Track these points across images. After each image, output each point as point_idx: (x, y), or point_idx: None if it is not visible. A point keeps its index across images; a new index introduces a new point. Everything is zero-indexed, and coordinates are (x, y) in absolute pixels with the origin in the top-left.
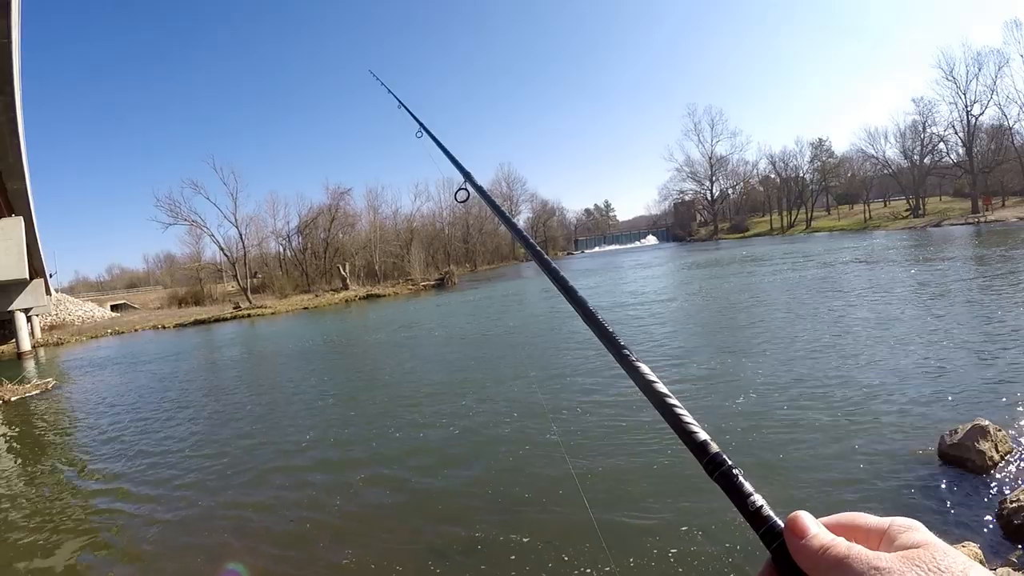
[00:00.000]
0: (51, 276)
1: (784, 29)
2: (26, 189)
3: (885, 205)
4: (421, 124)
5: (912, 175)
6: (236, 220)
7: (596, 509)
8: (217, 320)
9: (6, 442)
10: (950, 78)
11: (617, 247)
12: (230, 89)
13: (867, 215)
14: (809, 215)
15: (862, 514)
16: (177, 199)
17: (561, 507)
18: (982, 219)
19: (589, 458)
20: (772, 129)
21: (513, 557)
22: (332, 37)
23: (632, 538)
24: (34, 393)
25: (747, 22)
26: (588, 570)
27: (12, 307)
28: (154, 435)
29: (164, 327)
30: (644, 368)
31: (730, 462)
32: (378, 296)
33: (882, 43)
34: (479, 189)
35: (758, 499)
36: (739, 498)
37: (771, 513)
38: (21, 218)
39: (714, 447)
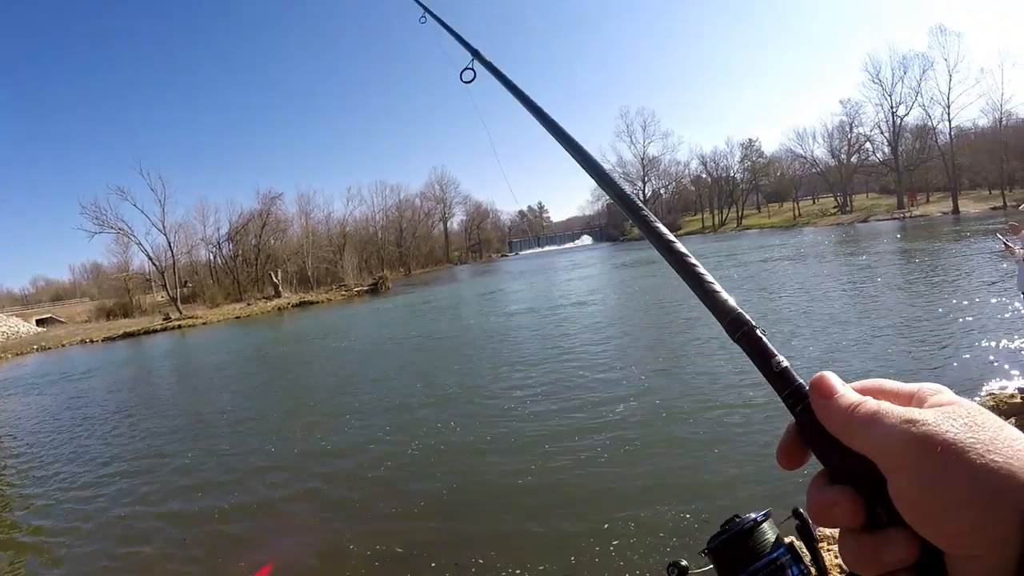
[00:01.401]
0: None
1: (717, 33)
2: None
3: (814, 202)
4: (424, 6)
5: (840, 173)
6: (164, 227)
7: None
8: (147, 332)
9: None
10: (876, 80)
11: (552, 248)
12: (157, 89)
13: (796, 212)
14: (740, 213)
15: (887, 380)
16: (103, 206)
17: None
18: (907, 214)
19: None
20: (703, 131)
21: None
22: (246, 36)
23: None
24: None
25: (678, 24)
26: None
27: None
28: (86, 455)
29: (92, 341)
30: (662, 228)
31: (752, 322)
32: (311, 303)
33: (810, 46)
34: (489, 66)
35: (782, 360)
36: (762, 359)
37: (796, 375)
38: None
39: (736, 307)
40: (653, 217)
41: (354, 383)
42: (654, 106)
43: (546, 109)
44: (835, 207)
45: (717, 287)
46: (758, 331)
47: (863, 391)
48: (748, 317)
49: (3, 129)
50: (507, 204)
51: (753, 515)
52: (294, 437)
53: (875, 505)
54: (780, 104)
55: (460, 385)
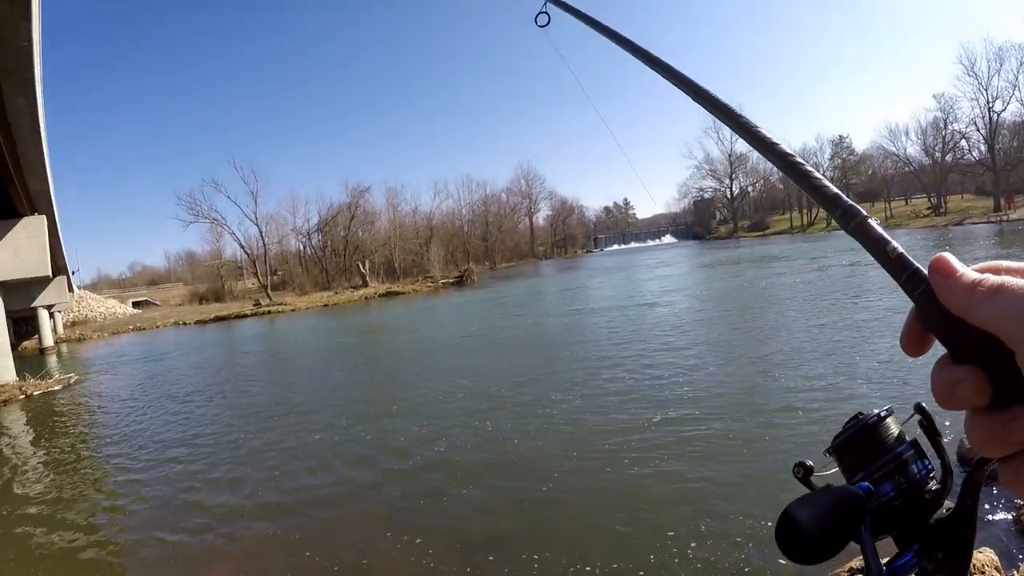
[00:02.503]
0: (73, 273)
1: (805, 25)
2: (48, 189)
3: (906, 203)
4: None
5: (933, 173)
6: (256, 218)
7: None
8: (237, 316)
9: (28, 435)
10: (971, 74)
11: (636, 245)
12: (251, 85)
13: (888, 213)
14: None
15: (1004, 260)
16: (198, 197)
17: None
18: (1004, 218)
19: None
20: (792, 126)
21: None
22: (354, 39)
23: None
24: (56, 388)
25: (767, 16)
26: None
27: (35, 304)
28: (173, 430)
29: (185, 323)
30: (764, 132)
31: (864, 212)
32: (397, 293)
33: (903, 38)
34: (563, 5)
35: (897, 246)
36: (877, 247)
37: (913, 260)
38: (44, 217)
39: (847, 199)
40: (753, 123)
41: (437, 375)
42: (742, 100)
43: (633, 39)
44: (928, 208)
45: (825, 181)
46: (871, 220)
47: (981, 271)
48: (859, 208)
49: (107, 124)
50: (593, 200)
51: (876, 411)
52: (366, 426)
53: (1001, 382)
54: (871, 98)
55: (546, 380)
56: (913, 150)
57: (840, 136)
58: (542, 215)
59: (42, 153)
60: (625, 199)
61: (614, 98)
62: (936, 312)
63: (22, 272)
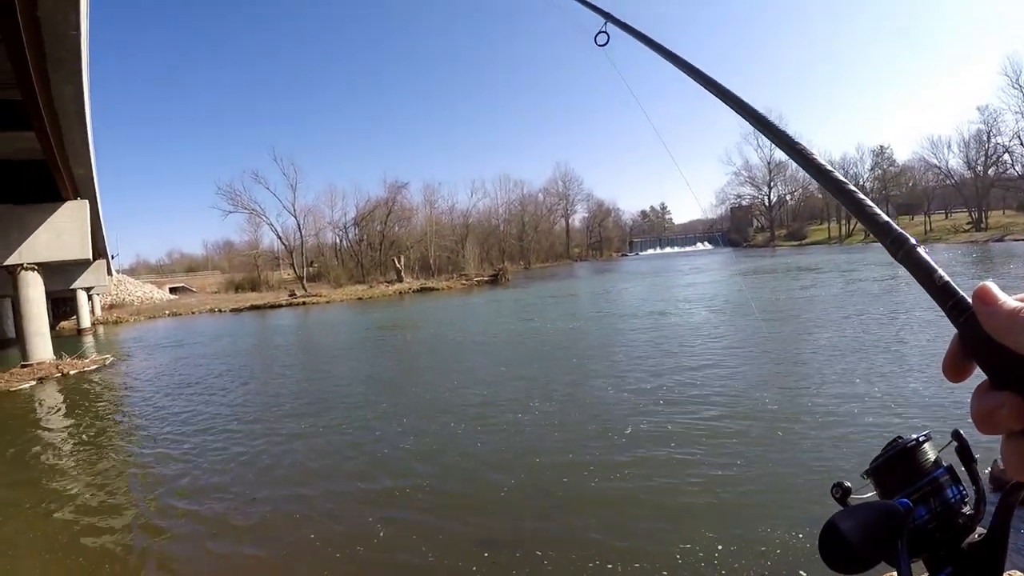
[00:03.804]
0: (113, 258)
1: (847, 32)
2: (92, 175)
3: (946, 217)
4: None
5: (975, 187)
6: (295, 210)
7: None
8: (272, 306)
9: (64, 411)
10: (1016, 86)
11: (672, 250)
12: (292, 77)
13: (928, 227)
14: None
15: None
16: (238, 188)
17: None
18: None
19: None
20: (832, 135)
21: None
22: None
23: None
24: (92, 368)
25: (808, 22)
26: None
27: (75, 286)
28: (204, 412)
29: (220, 311)
30: (818, 159)
31: (913, 240)
32: (432, 289)
33: (948, 48)
34: (624, 26)
35: (944, 274)
36: (925, 275)
37: (958, 288)
38: (86, 202)
39: (897, 227)
40: (808, 150)
41: (469, 374)
42: (782, 108)
43: (692, 60)
44: (969, 223)
45: (876, 209)
46: (919, 249)
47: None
48: (909, 236)
49: (148, 112)
50: (629, 203)
51: (915, 436)
52: (391, 422)
53: None
54: (912, 108)
55: (571, 384)
56: (955, 163)
57: (881, 146)
58: (578, 217)
59: (87, 140)
60: (662, 203)
61: (653, 97)
62: (978, 339)
63: (63, 255)
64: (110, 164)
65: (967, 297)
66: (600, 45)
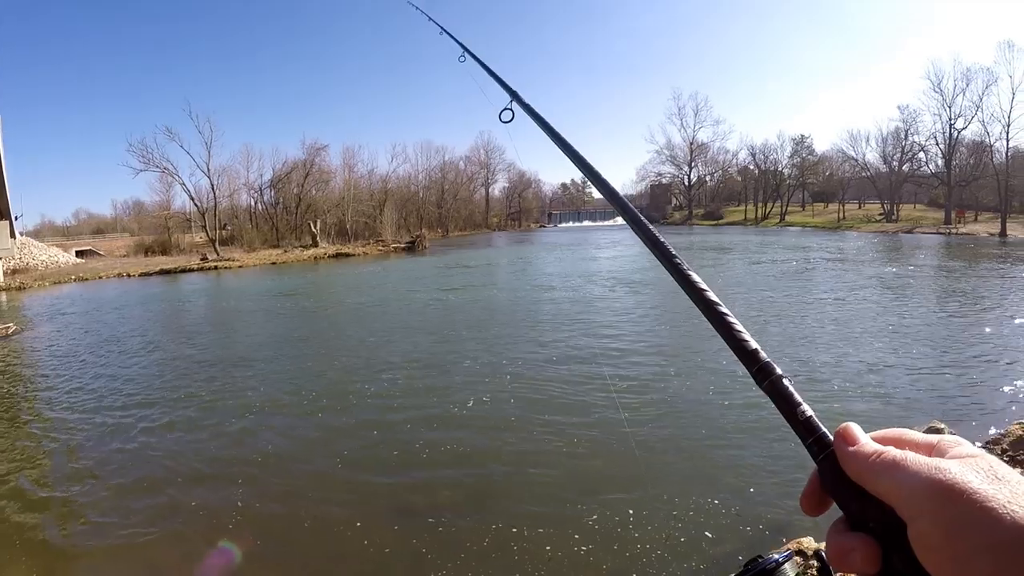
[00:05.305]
0: (16, 219)
1: (777, 23)
2: None
3: (860, 207)
4: (464, 47)
5: (889, 180)
6: (209, 170)
7: None
8: (183, 271)
9: None
10: (937, 90)
11: (590, 223)
12: (209, 33)
13: (841, 215)
14: (784, 209)
15: (908, 430)
16: (150, 145)
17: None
18: (953, 231)
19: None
20: (754, 120)
21: None
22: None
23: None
24: None
25: (740, 8)
26: None
27: None
28: (112, 383)
29: (129, 275)
30: (694, 276)
31: (779, 371)
32: (347, 255)
33: (874, 47)
34: (527, 108)
35: (807, 409)
36: (788, 407)
37: (820, 424)
38: None
39: (764, 356)
40: (686, 264)
41: (378, 340)
42: (708, 91)
43: (580, 150)
44: (881, 214)
45: (746, 335)
46: (785, 380)
47: (884, 440)
48: (775, 366)
49: (57, 64)
50: (551, 175)
51: (776, 556)
52: (302, 388)
53: (892, 553)
54: (835, 102)
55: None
56: (872, 156)
57: (802, 135)
58: (499, 186)
59: None
60: (583, 178)
61: (585, 72)
62: (837, 477)
63: None
64: (12, 114)
65: (829, 434)
66: (505, 122)
